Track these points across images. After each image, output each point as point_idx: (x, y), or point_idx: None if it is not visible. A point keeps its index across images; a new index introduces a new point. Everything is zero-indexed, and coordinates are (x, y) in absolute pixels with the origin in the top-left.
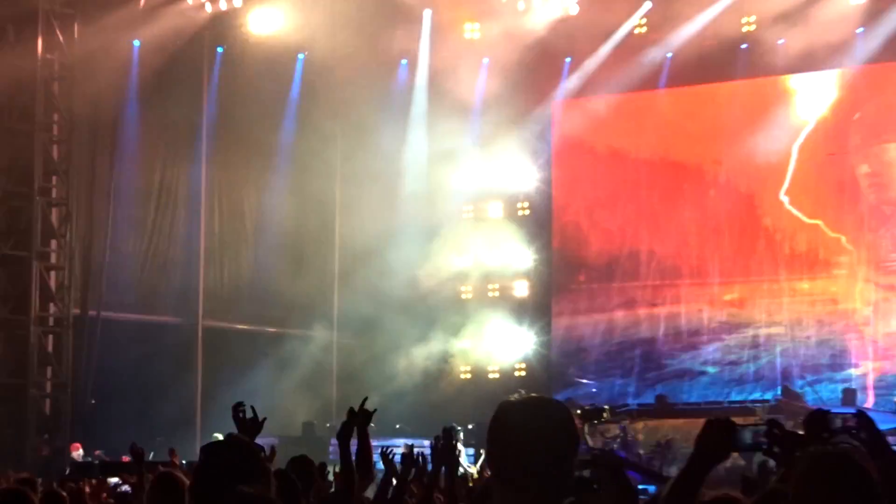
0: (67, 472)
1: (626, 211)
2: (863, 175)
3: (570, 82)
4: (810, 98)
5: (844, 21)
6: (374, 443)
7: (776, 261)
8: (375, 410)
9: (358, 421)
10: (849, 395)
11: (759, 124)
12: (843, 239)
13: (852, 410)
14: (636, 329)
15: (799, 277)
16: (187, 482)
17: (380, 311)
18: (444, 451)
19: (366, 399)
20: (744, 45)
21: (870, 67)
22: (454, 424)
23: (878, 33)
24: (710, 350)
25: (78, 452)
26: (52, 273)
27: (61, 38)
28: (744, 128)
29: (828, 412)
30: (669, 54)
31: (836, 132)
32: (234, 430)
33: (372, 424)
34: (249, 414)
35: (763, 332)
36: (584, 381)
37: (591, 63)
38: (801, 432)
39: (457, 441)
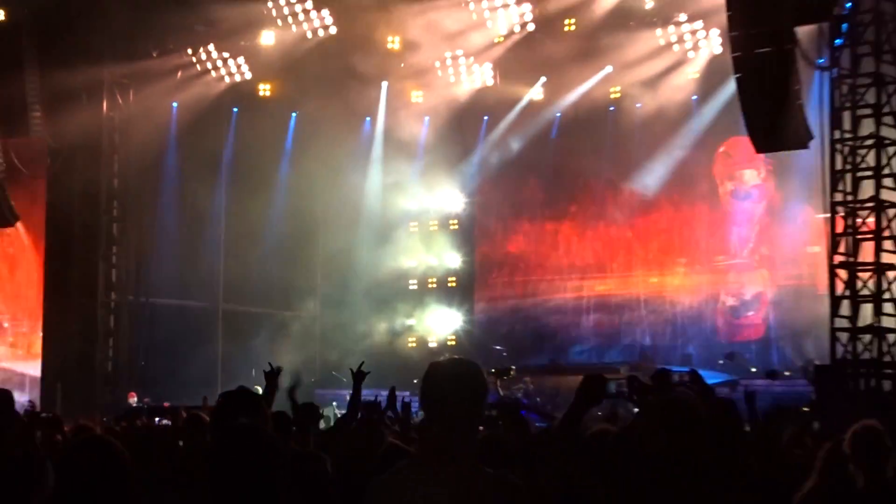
0: (125, 413)
1: (528, 226)
2: (726, 191)
3: (490, 134)
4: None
5: (684, 90)
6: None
7: (636, 260)
8: (368, 372)
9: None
10: (686, 359)
11: (625, 159)
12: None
13: (687, 369)
14: (535, 310)
15: (653, 273)
16: (208, 420)
17: (350, 296)
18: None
19: (362, 363)
20: (611, 108)
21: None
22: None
23: (708, 101)
24: (589, 326)
25: (132, 399)
26: (114, 270)
27: (120, 100)
28: (610, 165)
29: (669, 370)
30: (559, 114)
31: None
32: (244, 384)
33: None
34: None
35: (628, 313)
36: (498, 347)
37: (504, 120)
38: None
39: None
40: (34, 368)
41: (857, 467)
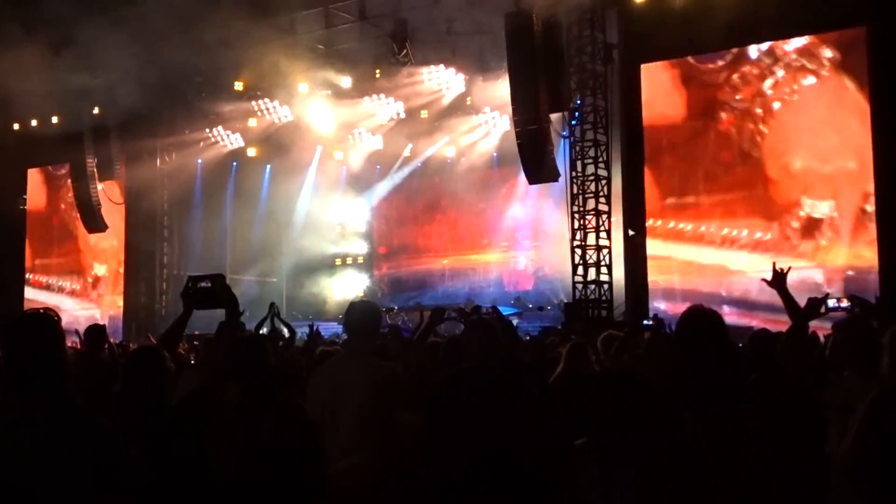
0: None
1: (405, 228)
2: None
3: (381, 176)
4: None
5: (489, 150)
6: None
7: (465, 246)
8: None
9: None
10: (492, 299)
11: (457, 189)
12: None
13: (490, 305)
14: (407, 275)
15: (475, 253)
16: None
17: (303, 268)
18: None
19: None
20: (449, 161)
21: None
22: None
23: (504, 157)
24: (439, 283)
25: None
26: (165, 256)
27: (167, 158)
28: (449, 193)
29: (480, 305)
30: (419, 164)
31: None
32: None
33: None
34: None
35: (460, 275)
36: (389, 298)
37: (390, 169)
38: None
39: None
40: (119, 313)
41: (600, 358)
